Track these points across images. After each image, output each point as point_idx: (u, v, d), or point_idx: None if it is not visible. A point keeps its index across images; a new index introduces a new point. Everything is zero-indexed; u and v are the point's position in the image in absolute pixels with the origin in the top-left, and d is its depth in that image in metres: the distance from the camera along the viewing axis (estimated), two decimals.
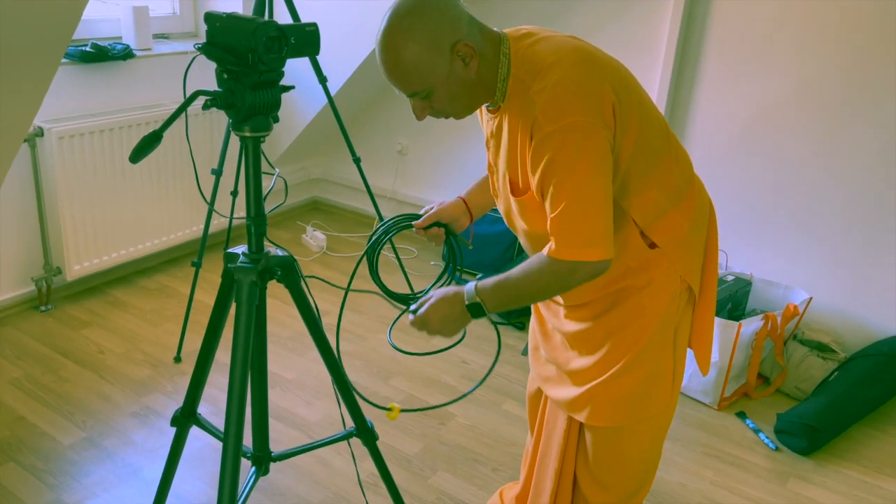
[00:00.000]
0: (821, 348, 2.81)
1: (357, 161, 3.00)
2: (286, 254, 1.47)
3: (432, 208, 1.66)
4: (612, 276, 1.49)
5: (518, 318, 3.17)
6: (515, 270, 1.36)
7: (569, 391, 1.57)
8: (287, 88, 1.34)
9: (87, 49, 2.93)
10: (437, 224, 1.65)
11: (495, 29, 1.37)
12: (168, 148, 3.23)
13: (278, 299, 3.24)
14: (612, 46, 3.10)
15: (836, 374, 2.69)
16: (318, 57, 2.94)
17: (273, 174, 1.61)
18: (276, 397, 2.61)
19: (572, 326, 1.56)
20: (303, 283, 1.49)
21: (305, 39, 1.31)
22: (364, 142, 4.00)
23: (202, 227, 3.40)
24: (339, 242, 3.86)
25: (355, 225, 4.06)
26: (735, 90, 2.92)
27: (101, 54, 2.96)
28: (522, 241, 1.54)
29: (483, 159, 3.65)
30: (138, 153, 1.38)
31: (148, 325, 2.99)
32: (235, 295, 1.41)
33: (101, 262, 3.11)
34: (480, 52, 1.31)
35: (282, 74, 1.32)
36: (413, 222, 1.64)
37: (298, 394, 2.63)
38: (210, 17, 1.27)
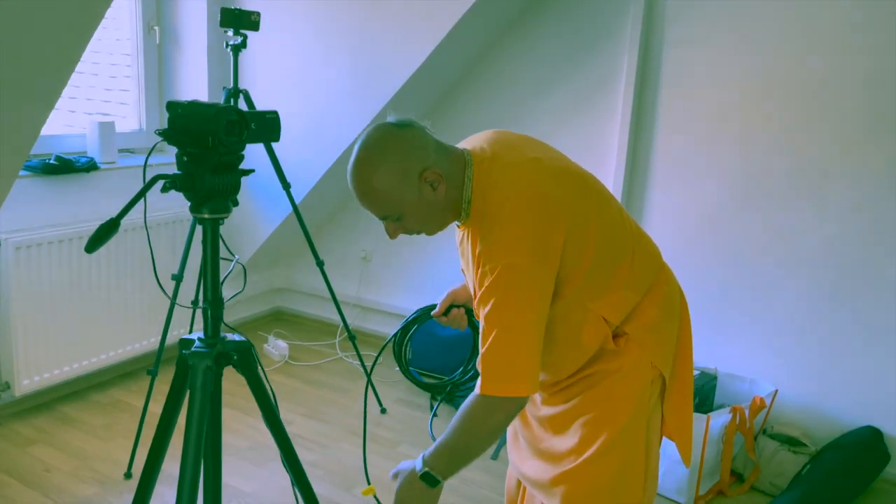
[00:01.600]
0: (791, 442, 2.78)
1: (320, 264, 3.01)
2: (243, 339, 1.44)
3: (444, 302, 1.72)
4: (580, 362, 1.50)
5: None
6: (452, 424, 1.39)
7: (543, 470, 1.54)
8: (247, 172, 1.37)
9: (51, 161, 2.96)
10: (455, 306, 1.69)
11: (460, 147, 1.45)
12: (127, 258, 3.21)
13: (236, 409, 3.14)
14: (566, 151, 3.23)
15: (808, 467, 2.66)
16: (282, 166, 3.01)
17: (231, 260, 1.60)
18: None
19: (548, 411, 1.56)
20: (260, 370, 1.45)
21: (266, 125, 1.35)
22: (327, 249, 4.03)
23: (156, 338, 3.33)
24: (302, 351, 3.79)
25: (319, 333, 4.01)
26: (686, 189, 3.04)
27: (65, 166, 2.99)
28: None
29: (447, 262, 3.69)
30: (95, 242, 1.37)
31: (98, 441, 2.85)
32: (189, 381, 1.36)
33: (52, 376, 3.00)
34: (447, 175, 1.38)
35: (241, 158, 1.35)
36: (431, 312, 1.70)
37: None
38: (172, 105, 1.31)
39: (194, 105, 1.30)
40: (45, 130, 3.09)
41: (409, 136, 1.35)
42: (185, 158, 1.29)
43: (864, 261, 2.73)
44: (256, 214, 3.70)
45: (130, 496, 2.50)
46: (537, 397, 1.60)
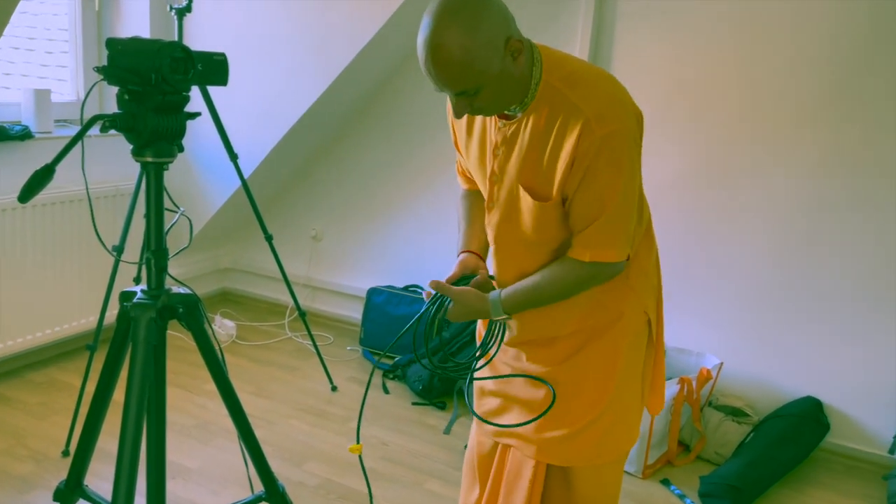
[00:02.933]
0: (735, 413, 2.84)
1: (269, 238, 2.94)
2: (189, 291, 1.38)
3: (455, 269, 1.56)
4: (583, 311, 1.50)
5: (439, 398, 3.08)
6: (537, 276, 1.43)
7: (546, 434, 1.52)
8: (193, 115, 1.31)
9: None
10: (465, 279, 1.54)
11: None
12: (63, 231, 3.07)
13: (181, 388, 3.05)
14: None
15: (751, 436, 2.72)
16: (230, 136, 2.93)
17: (176, 212, 1.53)
18: (177, 489, 2.39)
19: (538, 369, 1.54)
20: (206, 325, 1.39)
21: (213, 67, 1.30)
22: (277, 228, 3.94)
23: (98, 316, 3.21)
24: (250, 331, 3.71)
25: (267, 314, 3.93)
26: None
27: None
28: (508, 253, 1.51)
29: (399, 241, 3.65)
30: (28, 191, 1.30)
31: (34, 420, 2.72)
32: (132, 334, 1.30)
33: None
34: (526, 48, 1.33)
35: (187, 99, 1.29)
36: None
37: (203, 483, 2.42)
38: (112, 42, 1.24)
39: (136, 41, 1.23)
40: None
41: (495, 1, 1.27)
42: (127, 97, 1.22)
43: (806, 237, 2.81)
44: (203, 190, 3.59)
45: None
46: (522, 356, 1.57)
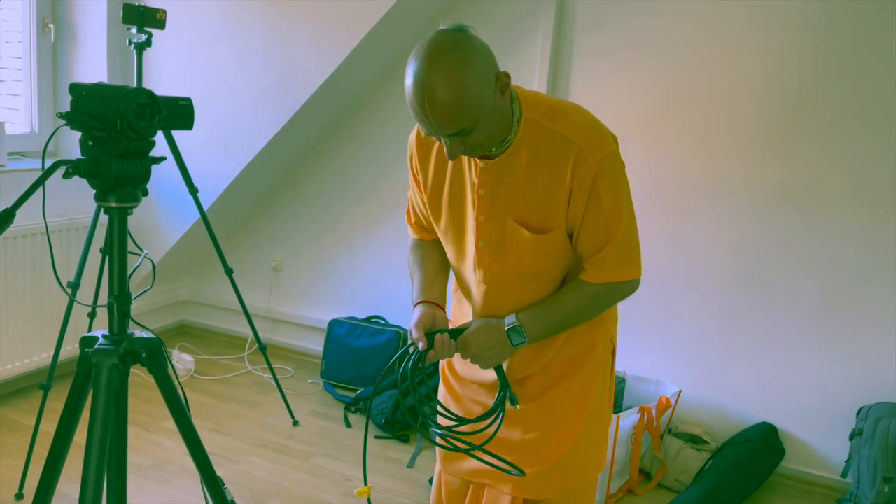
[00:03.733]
0: (694, 440, 2.89)
1: (229, 272, 2.91)
2: (152, 336, 1.37)
3: (413, 332, 1.48)
4: (558, 342, 1.53)
5: (402, 432, 3.07)
6: (553, 299, 1.46)
7: (527, 470, 1.53)
8: (158, 160, 1.30)
9: None
10: (433, 333, 1.46)
11: None
12: (16, 267, 3.00)
13: (137, 426, 2.98)
14: None
15: (710, 462, 2.77)
16: (189, 169, 2.91)
17: (140, 255, 1.52)
18: None
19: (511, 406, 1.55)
20: (170, 369, 1.38)
21: (178, 112, 1.30)
22: (236, 258, 3.91)
23: (52, 353, 3.13)
24: (209, 365, 3.65)
25: (226, 347, 3.87)
26: None
27: None
28: (501, 291, 1.49)
29: (360, 273, 3.65)
30: None
31: None
32: (93, 381, 1.28)
33: None
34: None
35: (152, 144, 1.29)
36: (419, 347, 1.43)
37: None
38: (76, 87, 1.23)
39: (101, 87, 1.23)
40: None
41: (479, 39, 1.29)
42: (91, 143, 1.22)
43: (759, 267, 2.89)
44: (161, 222, 3.55)
45: None
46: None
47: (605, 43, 3.00)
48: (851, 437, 2.68)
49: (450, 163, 1.48)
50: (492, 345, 1.44)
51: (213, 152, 3.35)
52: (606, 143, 1.37)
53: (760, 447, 2.81)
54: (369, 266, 3.63)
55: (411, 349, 1.44)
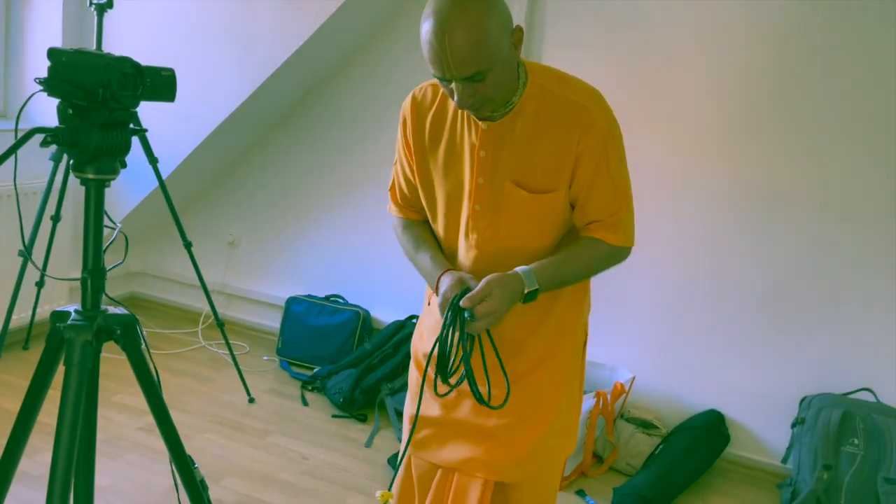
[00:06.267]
0: (645, 425, 2.98)
1: (188, 245, 2.85)
2: (126, 312, 1.33)
3: (447, 286, 1.45)
4: (545, 326, 1.56)
5: (360, 411, 3.07)
6: (565, 257, 1.47)
7: (497, 455, 1.54)
8: (139, 131, 1.26)
9: None
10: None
11: None
12: None
13: None
14: None
15: (661, 447, 2.86)
16: (148, 138, 2.82)
17: (114, 228, 1.47)
18: None
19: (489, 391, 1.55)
20: (144, 347, 1.35)
21: (161, 83, 1.26)
22: (192, 232, 3.81)
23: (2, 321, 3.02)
24: (161, 339, 3.57)
25: (180, 321, 3.80)
26: None
27: None
28: (492, 258, 1.48)
29: (318, 248, 3.61)
30: None
31: None
32: (65, 357, 1.24)
33: None
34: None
35: (133, 115, 1.24)
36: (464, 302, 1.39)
37: (114, 502, 2.32)
38: (55, 52, 1.18)
39: (81, 54, 1.18)
40: None
41: None
42: (71, 111, 1.17)
43: (712, 260, 2.98)
44: (114, 191, 3.44)
45: None
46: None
47: (576, 34, 3.02)
48: (794, 426, 2.80)
49: (447, 126, 1.48)
50: (509, 298, 1.39)
51: (173, 121, 3.26)
52: (609, 110, 1.44)
53: (708, 433, 2.90)
54: (329, 244, 3.60)
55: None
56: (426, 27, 1.29)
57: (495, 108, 1.40)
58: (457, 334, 1.39)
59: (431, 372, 1.68)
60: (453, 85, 1.33)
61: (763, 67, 2.80)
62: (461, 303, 1.38)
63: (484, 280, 1.40)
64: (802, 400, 2.84)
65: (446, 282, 1.45)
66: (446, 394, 1.54)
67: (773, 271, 2.89)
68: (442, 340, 1.40)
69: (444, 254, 1.59)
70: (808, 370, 2.89)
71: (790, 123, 2.80)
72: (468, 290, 1.41)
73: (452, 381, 1.45)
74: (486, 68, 1.29)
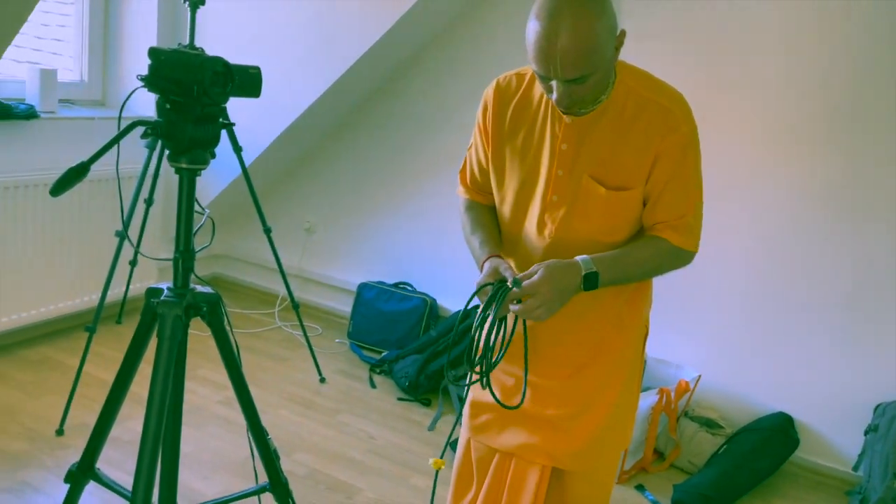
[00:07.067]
0: (709, 424, 2.96)
1: (268, 231, 2.99)
2: (212, 291, 1.45)
3: (484, 273, 1.50)
4: (587, 319, 1.59)
5: (424, 395, 3.17)
6: (628, 250, 1.50)
7: (556, 445, 1.59)
8: (228, 125, 1.37)
9: None
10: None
11: None
12: (64, 211, 3.10)
13: None
14: None
15: (724, 447, 2.83)
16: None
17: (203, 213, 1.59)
18: None
19: (544, 382, 1.61)
20: (227, 324, 1.46)
21: (248, 81, 1.36)
22: (271, 218, 3.98)
23: (95, 297, 3.25)
24: (240, 319, 3.76)
25: (258, 302, 3.98)
26: None
27: (3, 112, 2.86)
28: (566, 249, 1.51)
29: (390, 235, 3.72)
30: (61, 185, 1.35)
31: (27, 398, 2.76)
32: (158, 330, 1.36)
33: None
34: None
35: (223, 111, 1.35)
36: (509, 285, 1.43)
37: (194, 468, 2.48)
38: (155, 51, 1.29)
39: (178, 53, 1.29)
40: None
41: None
42: (168, 106, 1.28)
43: (788, 259, 2.92)
44: (199, 178, 3.63)
45: (62, 453, 2.45)
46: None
47: (651, 26, 3.00)
48: (866, 433, 2.73)
49: (529, 116, 1.52)
50: (564, 289, 1.40)
51: (256, 111, 3.41)
52: (692, 117, 1.47)
53: (775, 435, 2.86)
54: (400, 234, 3.70)
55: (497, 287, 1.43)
56: (536, 27, 1.30)
57: (584, 106, 1.42)
58: (486, 324, 1.41)
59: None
60: (553, 83, 1.35)
61: (858, 61, 2.72)
62: (509, 283, 1.40)
63: (543, 263, 1.42)
64: (877, 407, 2.77)
65: (486, 269, 1.49)
66: (472, 383, 1.54)
67: (853, 273, 2.82)
68: (473, 330, 1.44)
69: (506, 239, 1.63)
70: (885, 376, 2.81)
71: (874, 124, 2.72)
72: (503, 280, 1.42)
73: (478, 371, 1.45)
74: (591, 72, 1.32)
